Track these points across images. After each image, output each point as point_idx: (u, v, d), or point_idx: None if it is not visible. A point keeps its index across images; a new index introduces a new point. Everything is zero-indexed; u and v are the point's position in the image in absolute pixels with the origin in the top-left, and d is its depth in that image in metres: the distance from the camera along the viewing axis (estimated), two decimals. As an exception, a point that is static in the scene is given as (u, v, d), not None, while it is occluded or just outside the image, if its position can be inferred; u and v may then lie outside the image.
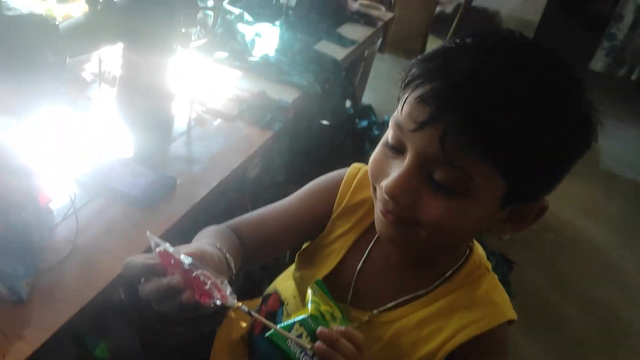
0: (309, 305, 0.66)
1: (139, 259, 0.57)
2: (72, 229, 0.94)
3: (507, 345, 0.75)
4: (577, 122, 0.60)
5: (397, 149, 0.64)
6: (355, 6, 2.47)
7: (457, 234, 0.67)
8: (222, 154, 1.24)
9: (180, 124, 1.30)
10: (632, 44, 4.48)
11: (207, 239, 0.73)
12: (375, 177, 0.67)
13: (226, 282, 0.57)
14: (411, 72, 0.62)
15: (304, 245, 0.90)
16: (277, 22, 1.85)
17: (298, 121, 1.55)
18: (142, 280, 0.56)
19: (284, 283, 0.92)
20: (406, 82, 0.62)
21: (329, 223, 0.85)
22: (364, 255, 0.80)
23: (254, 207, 0.93)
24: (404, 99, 0.62)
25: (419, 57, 0.64)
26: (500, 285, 0.78)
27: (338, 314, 0.67)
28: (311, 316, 0.64)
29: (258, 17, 1.89)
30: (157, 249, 0.57)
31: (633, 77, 4.51)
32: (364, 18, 2.36)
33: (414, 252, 0.76)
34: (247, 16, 1.83)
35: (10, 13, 0.89)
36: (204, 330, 0.76)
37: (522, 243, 2.57)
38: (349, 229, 0.83)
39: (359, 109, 2.60)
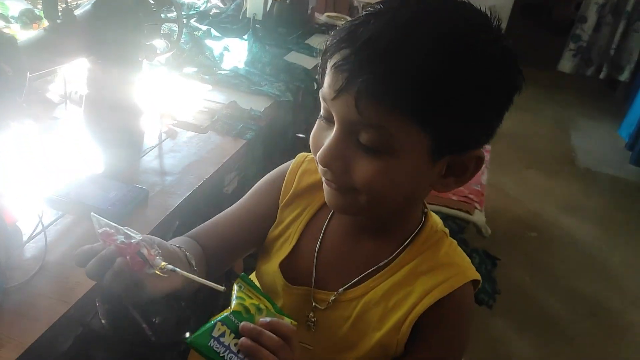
0: (233, 302, 0.63)
1: (86, 246, 0.60)
2: (41, 248, 0.92)
3: (471, 305, 0.76)
4: (490, 67, 0.60)
5: (328, 120, 0.66)
6: (322, 18, 2.49)
7: (395, 195, 0.67)
8: (194, 164, 1.22)
9: (151, 138, 1.29)
10: (597, 44, 4.57)
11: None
12: (314, 150, 0.69)
13: (159, 252, 0.61)
14: (327, 43, 0.64)
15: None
16: (245, 36, 1.85)
17: (272, 132, 1.54)
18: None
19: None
20: (323, 53, 0.64)
21: (278, 212, 0.85)
22: (320, 236, 0.80)
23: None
24: (325, 70, 0.64)
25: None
26: (460, 249, 0.78)
27: (268, 306, 0.65)
28: (233, 312, 0.62)
29: (226, 32, 1.89)
30: (99, 230, 0.59)
31: (601, 76, 4.60)
32: (331, 29, 2.38)
33: (368, 223, 0.77)
34: (214, 32, 1.83)
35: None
36: (179, 309, 0.74)
37: (506, 243, 2.58)
38: (299, 213, 0.83)
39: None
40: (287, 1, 2.17)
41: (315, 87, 1.87)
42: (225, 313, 0.62)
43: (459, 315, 0.74)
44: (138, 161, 1.22)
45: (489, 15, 0.63)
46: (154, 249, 0.62)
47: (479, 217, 1.86)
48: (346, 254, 0.78)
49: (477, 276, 0.75)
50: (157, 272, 0.60)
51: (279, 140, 1.63)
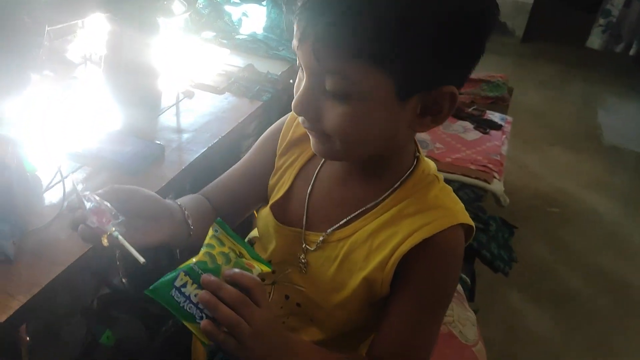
0: (201, 250, 0.63)
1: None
2: (59, 197, 0.94)
3: (458, 249, 0.74)
4: (448, 4, 0.59)
5: (303, 70, 0.67)
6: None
7: (368, 138, 0.68)
8: (210, 123, 1.24)
9: (169, 98, 1.30)
10: (627, 19, 4.43)
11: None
12: None
13: (120, 217, 0.64)
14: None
15: None
16: (264, 2, 1.85)
17: (289, 96, 1.54)
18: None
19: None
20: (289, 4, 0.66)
21: (276, 161, 0.87)
22: (311, 180, 0.82)
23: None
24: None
25: None
26: (454, 195, 0.77)
27: (242, 251, 0.64)
28: (198, 262, 0.61)
29: (245, -1, 1.89)
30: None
31: (631, 52, 4.46)
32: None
33: (356, 167, 0.78)
34: (233, -2, 1.83)
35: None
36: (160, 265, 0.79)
37: (527, 217, 2.55)
38: (294, 160, 0.85)
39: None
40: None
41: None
42: (189, 263, 0.61)
43: (443, 257, 0.73)
44: (155, 119, 1.24)
45: None
46: (112, 216, 0.64)
47: (497, 186, 1.84)
48: (336, 197, 0.79)
49: (468, 221, 0.74)
50: (104, 240, 0.63)
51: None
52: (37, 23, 0.92)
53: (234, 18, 1.71)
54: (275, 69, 1.50)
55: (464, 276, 1.44)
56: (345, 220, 0.77)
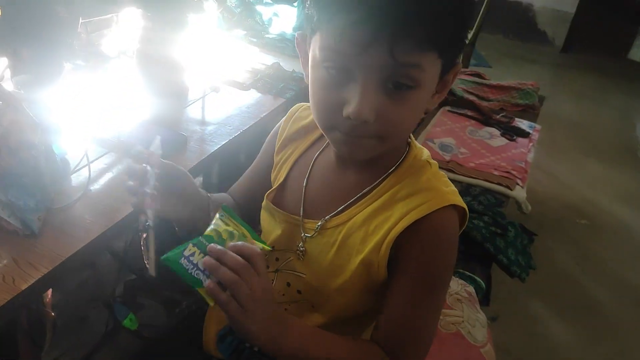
0: (208, 228, 0.69)
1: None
2: (85, 179, 1.00)
3: (452, 231, 0.75)
4: None
5: (343, 74, 0.65)
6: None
7: (413, 126, 0.73)
8: (233, 117, 1.28)
9: (196, 92, 1.36)
10: (673, 31, 4.33)
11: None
12: (329, 106, 0.68)
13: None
14: (322, 3, 0.64)
15: None
16: (295, 3, 1.89)
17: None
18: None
19: None
20: (321, 11, 0.64)
21: (274, 157, 0.91)
22: (307, 171, 0.85)
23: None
24: (329, 29, 0.63)
25: None
26: (447, 179, 0.79)
27: (245, 232, 0.70)
28: (205, 236, 0.67)
29: None
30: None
31: (675, 66, 4.35)
32: None
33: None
34: (265, -1, 1.88)
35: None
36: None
37: (555, 227, 2.52)
38: (290, 154, 0.89)
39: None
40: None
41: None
42: (198, 237, 0.68)
43: (435, 238, 0.74)
44: (182, 111, 1.29)
45: None
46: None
47: (519, 192, 1.83)
48: (332, 185, 0.82)
49: (459, 202, 0.75)
50: (141, 217, 0.71)
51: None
52: (72, 15, 0.98)
53: (265, 18, 1.76)
54: (301, 68, 1.53)
55: (478, 279, 1.44)
56: (342, 207, 0.80)
